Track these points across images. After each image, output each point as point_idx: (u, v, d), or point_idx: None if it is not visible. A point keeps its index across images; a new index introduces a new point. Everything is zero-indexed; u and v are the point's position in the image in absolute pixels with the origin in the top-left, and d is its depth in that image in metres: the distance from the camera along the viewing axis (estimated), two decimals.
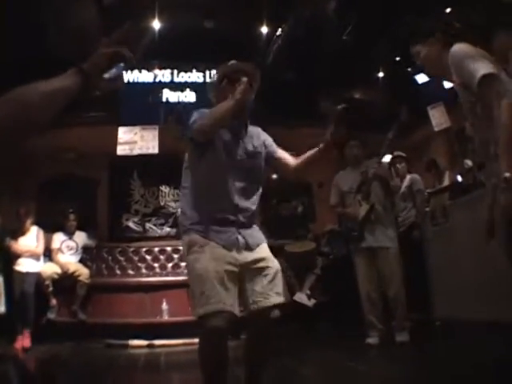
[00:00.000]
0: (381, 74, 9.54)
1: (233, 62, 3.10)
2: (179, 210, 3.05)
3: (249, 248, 2.85)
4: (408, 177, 6.85)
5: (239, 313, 2.70)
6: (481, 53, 2.55)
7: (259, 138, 3.14)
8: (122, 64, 1.73)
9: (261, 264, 2.83)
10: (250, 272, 2.82)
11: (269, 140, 3.20)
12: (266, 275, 2.81)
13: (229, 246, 2.78)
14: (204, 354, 2.73)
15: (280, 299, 2.80)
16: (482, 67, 2.42)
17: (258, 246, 2.90)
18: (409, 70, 9.06)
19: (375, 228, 5.51)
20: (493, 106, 2.44)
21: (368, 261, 5.56)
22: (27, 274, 7.25)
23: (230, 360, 2.73)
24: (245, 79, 2.86)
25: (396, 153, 6.83)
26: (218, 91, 3.08)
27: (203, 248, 2.74)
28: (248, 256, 2.83)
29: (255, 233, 2.97)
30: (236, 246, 2.80)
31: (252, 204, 2.96)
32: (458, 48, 2.59)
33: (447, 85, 8.69)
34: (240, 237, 2.83)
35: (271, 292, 2.78)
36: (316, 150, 3.09)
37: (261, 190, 3.05)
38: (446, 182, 7.55)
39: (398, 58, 9.14)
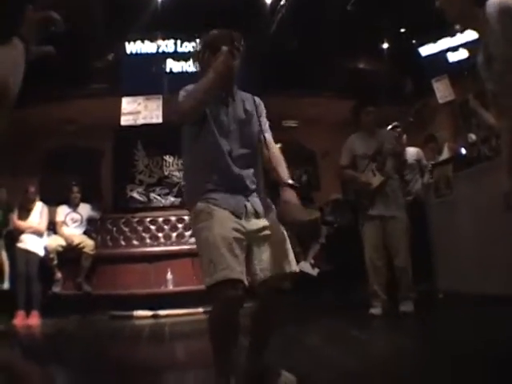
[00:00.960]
0: (385, 45, 9.48)
1: (215, 31, 3.01)
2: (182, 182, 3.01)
3: (257, 215, 2.83)
4: (414, 150, 6.89)
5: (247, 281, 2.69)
6: None
7: (252, 104, 3.07)
8: (53, 28, 1.75)
9: (267, 232, 2.80)
10: (256, 241, 2.79)
11: (264, 118, 3.12)
12: (272, 244, 2.78)
13: (237, 212, 2.76)
14: (214, 324, 2.71)
15: (289, 268, 2.78)
16: None
17: (265, 213, 2.87)
18: (413, 41, 9.00)
19: (386, 198, 5.49)
20: None
21: (376, 229, 5.51)
22: (31, 253, 7.28)
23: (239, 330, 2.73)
24: (225, 48, 2.76)
25: (396, 123, 6.71)
26: (203, 62, 3.00)
27: (211, 214, 2.70)
28: (255, 224, 2.80)
29: (263, 202, 2.92)
30: (244, 211, 2.79)
31: (253, 169, 2.95)
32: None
33: (451, 58, 8.69)
34: (248, 203, 2.82)
35: (278, 262, 2.75)
36: (281, 183, 2.94)
37: (259, 156, 3.01)
38: (445, 154, 7.54)
39: (402, 30, 9.08)
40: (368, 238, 5.58)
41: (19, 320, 6.74)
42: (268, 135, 3.08)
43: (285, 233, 2.88)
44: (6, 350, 4.91)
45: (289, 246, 2.87)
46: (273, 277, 2.73)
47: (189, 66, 8.69)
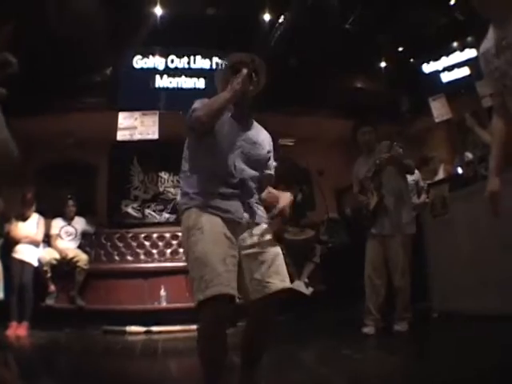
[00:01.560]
0: (383, 64, 9.54)
1: (239, 53, 3.14)
2: (179, 193, 3.01)
3: (251, 224, 2.87)
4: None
5: (238, 298, 2.68)
6: None
7: (265, 138, 3.20)
8: (9, 70, 1.75)
9: (257, 249, 2.82)
10: (247, 258, 2.81)
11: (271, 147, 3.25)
12: (263, 261, 2.78)
13: (237, 218, 2.81)
14: (203, 341, 2.72)
15: (283, 284, 2.77)
16: None
17: (259, 224, 2.92)
18: (411, 60, 9.06)
19: (385, 217, 5.47)
20: None
21: (377, 247, 5.51)
22: (26, 264, 7.22)
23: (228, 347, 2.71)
24: (245, 71, 2.92)
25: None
26: (223, 80, 3.14)
27: (202, 229, 2.72)
28: (248, 239, 2.84)
29: (259, 211, 2.97)
30: (240, 219, 2.83)
31: (254, 182, 2.99)
32: None
33: (448, 77, 8.77)
34: (245, 213, 2.86)
35: (270, 279, 2.74)
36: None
37: (262, 176, 3.08)
38: (441, 175, 7.56)
39: (400, 49, 9.14)
40: (368, 256, 5.57)
41: (12, 331, 6.67)
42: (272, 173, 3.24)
43: (278, 248, 2.90)
44: None
45: (281, 261, 2.89)
46: (264, 295, 2.73)
47: (185, 82, 8.74)
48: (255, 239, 2.86)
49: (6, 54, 1.66)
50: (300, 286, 7.68)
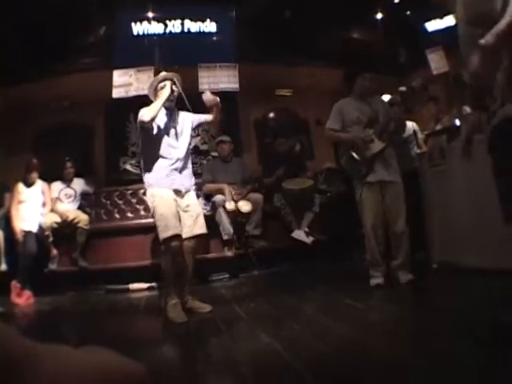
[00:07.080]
0: (379, 16, 9.43)
1: (162, 73, 5.12)
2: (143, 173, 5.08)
3: (186, 190, 4.97)
4: (410, 123, 6.90)
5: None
6: None
7: (188, 120, 5.18)
8: None
9: (189, 208, 4.93)
10: (183, 213, 4.89)
11: (194, 116, 5.24)
12: (191, 215, 4.92)
13: (175, 189, 4.84)
14: (164, 260, 4.72)
15: (201, 231, 4.97)
16: None
17: (189, 190, 5.04)
18: (407, 13, 8.94)
19: (385, 163, 5.35)
20: None
21: (376, 195, 5.33)
22: (28, 232, 7.20)
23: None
24: (168, 83, 4.94)
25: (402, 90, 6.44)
26: (153, 91, 5.09)
27: (161, 197, 4.74)
28: (183, 202, 4.90)
29: (189, 177, 5.08)
30: (179, 187, 4.89)
31: (185, 156, 5.02)
32: None
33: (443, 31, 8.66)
34: (181, 182, 4.92)
35: (195, 227, 4.90)
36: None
37: (190, 147, 5.18)
38: (444, 124, 7.47)
39: (396, 1, 9.04)
40: (369, 206, 5.36)
41: (21, 300, 6.70)
42: (201, 116, 5.27)
43: (200, 209, 5.17)
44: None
45: (201, 217, 5.05)
46: (190, 236, 4.88)
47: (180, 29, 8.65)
48: (188, 202, 4.96)
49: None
50: (300, 235, 7.77)
